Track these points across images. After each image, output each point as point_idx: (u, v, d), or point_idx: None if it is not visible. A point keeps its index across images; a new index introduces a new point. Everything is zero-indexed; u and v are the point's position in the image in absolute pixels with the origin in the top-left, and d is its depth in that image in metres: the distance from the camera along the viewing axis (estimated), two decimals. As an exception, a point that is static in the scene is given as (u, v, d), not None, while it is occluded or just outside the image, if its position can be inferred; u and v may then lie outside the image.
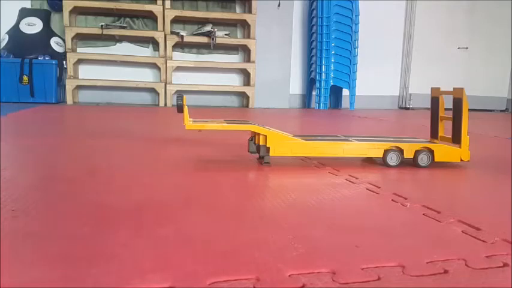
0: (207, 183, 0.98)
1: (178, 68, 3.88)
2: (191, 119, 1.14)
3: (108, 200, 0.82)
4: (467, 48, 4.72)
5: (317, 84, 4.02)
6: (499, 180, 1.09)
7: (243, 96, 4.13)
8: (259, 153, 1.17)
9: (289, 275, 0.49)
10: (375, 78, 4.49)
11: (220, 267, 0.50)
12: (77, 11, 3.72)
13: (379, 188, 0.94)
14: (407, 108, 4.59)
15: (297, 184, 0.99)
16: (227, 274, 0.48)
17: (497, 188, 1.00)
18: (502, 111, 4.93)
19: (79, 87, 3.81)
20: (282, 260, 0.53)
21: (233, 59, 4.16)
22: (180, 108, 1.08)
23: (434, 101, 1.31)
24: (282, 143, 1.15)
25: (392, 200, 0.84)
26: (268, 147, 1.15)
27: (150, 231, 0.63)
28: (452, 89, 1.22)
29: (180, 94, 1.09)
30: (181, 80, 3.96)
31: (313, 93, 4.17)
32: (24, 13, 3.58)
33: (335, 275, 0.49)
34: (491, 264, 0.54)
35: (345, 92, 4.18)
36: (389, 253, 0.57)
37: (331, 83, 4.01)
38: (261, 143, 1.15)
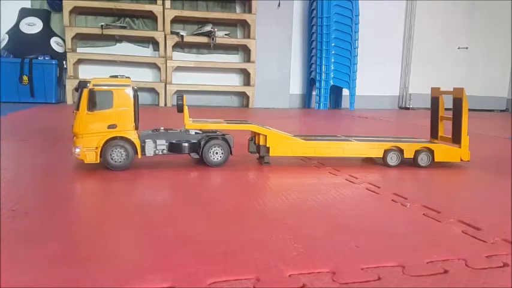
0: (207, 183, 0.98)
1: (178, 68, 3.88)
2: (191, 119, 1.14)
3: (108, 199, 0.82)
4: (467, 48, 4.72)
5: (317, 84, 4.02)
6: (498, 180, 1.09)
7: (243, 96, 4.13)
8: (259, 153, 1.17)
9: (289, 275, 0.49)
10: (375, 78, 4.48)
11: (220, 267, 0.50)
12: (77, 11, 3.72)
13: (379, 188, 0.94)
14: (407, 108, 4.59)
15: (296, 184, 0.99)
16: (227, 274, 0.48)
17: (497, 188, 1.00)
18: (502, 111, 4.92)
19: (79, 87, 3.81)
20: (282, 260, 0.53)
21: (233, 59, 4.16)
22: (180, 108, 1.09)
23: (435, 100, 1.31)
24: (282, 143, 1.15)
25: (392, 200, 0.84)
26: (268, 147, 1.15)
27: (150, 231, 0.63)
28: (452, 89, 1.22)
29: (180, 94, 1.10)
30: (181, 80, 3.96)
31: (313, 93, 4.17)
32: (24, 13, 3.57)
33: (335, 275, 0.49)
34: (491, 264, 0.54)
35: (345, 92, 4.17)
36: (389, 253, 0.57)
37: (331, 83, 4.01)
38: (261, 143, 1.15)
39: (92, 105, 1.00)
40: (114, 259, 0.52)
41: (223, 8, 4.05)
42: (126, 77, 1.06)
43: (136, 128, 1.07)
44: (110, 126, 1.02)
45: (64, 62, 3.61)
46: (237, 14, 4.01)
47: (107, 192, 0.88)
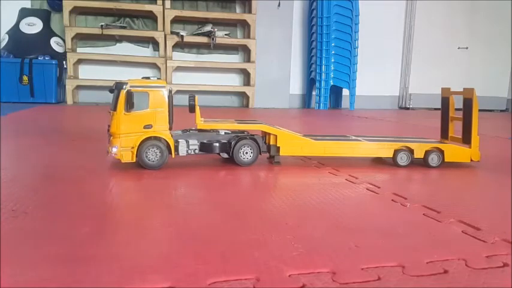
0: (208, 183, 0.98)
1: (178, 68, 3.88)
2: (202, 119, 1.14)
3: (109, 199, 0.82)
4: (467, 48, 4.72)
5: (317, 84, 4.02)
6: (499, 180, 1.09)
7: (243, 96, 4.13)
8: (269, 152, 1.18)
9: (289, 275, 0.49)
10: (375, 78, 4.48)
11: (220, 267, 0.50)
12: (77, 11, 3.72)
13: (379, 188, 0.94)
14: (407, 108, 4.58)
15: (296, 184, 0.99)
16: (227, 274, 0.48)
17: (498, 188, 1.00)
18: (502, 111, 4.92)
19: (79, 87, 3.81)
20: (282, 260, 0.53)
21: (233, 59, 4.16)
22: (192, 108, 1.11)
23: (445, 101, 1.30)
24: (293, 143, 1.16)
25: (392, 200, 0.84)
26: (279, 147, 1.16)
27: (150, 231, 0.63)
28: (461, 89, 1.22)
29: (192, 94, 1.11)
30: (181, 80, 3.96)
31: (313, 93, 4.17)
32: (24, 13, 3.57)
33: (335, 275, 0.49)
34: (491, 264, 0.54)
35: (345, 92, 4.17)
36: (389, 253, 0.57)
37: (331, 83, 4.01)
38: (272, 142, 1.16)
39: (130, 106, 1.02)
40: (114, 259, 0.52)
41: (223, 8, 4.05)
42: (157, 79, 1.08)
43: (170, 129, 1.09)
44: (145, 127, 1.04)
45: (64, 62, 3.61)
46: (237, 14, 4.01)
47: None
